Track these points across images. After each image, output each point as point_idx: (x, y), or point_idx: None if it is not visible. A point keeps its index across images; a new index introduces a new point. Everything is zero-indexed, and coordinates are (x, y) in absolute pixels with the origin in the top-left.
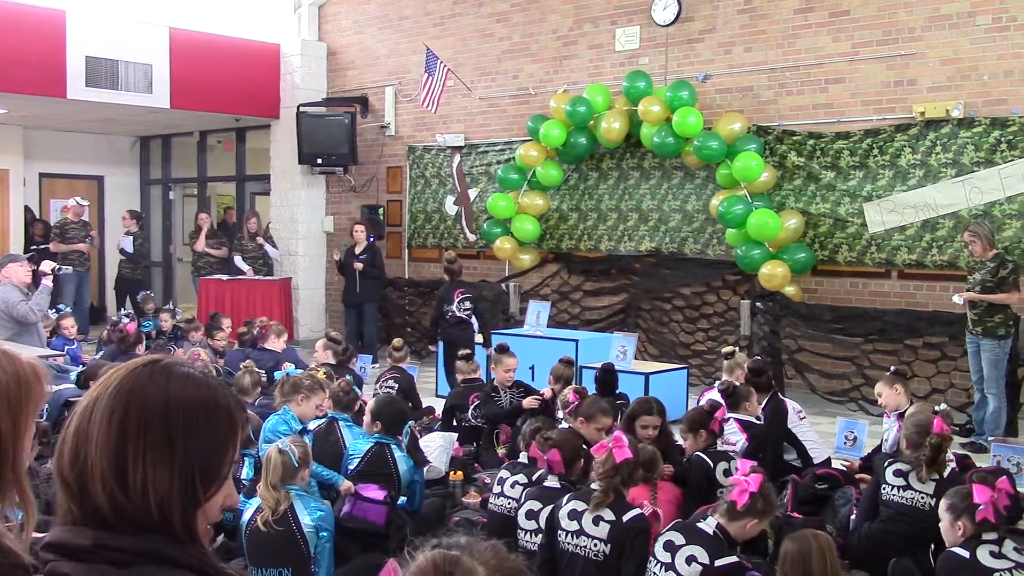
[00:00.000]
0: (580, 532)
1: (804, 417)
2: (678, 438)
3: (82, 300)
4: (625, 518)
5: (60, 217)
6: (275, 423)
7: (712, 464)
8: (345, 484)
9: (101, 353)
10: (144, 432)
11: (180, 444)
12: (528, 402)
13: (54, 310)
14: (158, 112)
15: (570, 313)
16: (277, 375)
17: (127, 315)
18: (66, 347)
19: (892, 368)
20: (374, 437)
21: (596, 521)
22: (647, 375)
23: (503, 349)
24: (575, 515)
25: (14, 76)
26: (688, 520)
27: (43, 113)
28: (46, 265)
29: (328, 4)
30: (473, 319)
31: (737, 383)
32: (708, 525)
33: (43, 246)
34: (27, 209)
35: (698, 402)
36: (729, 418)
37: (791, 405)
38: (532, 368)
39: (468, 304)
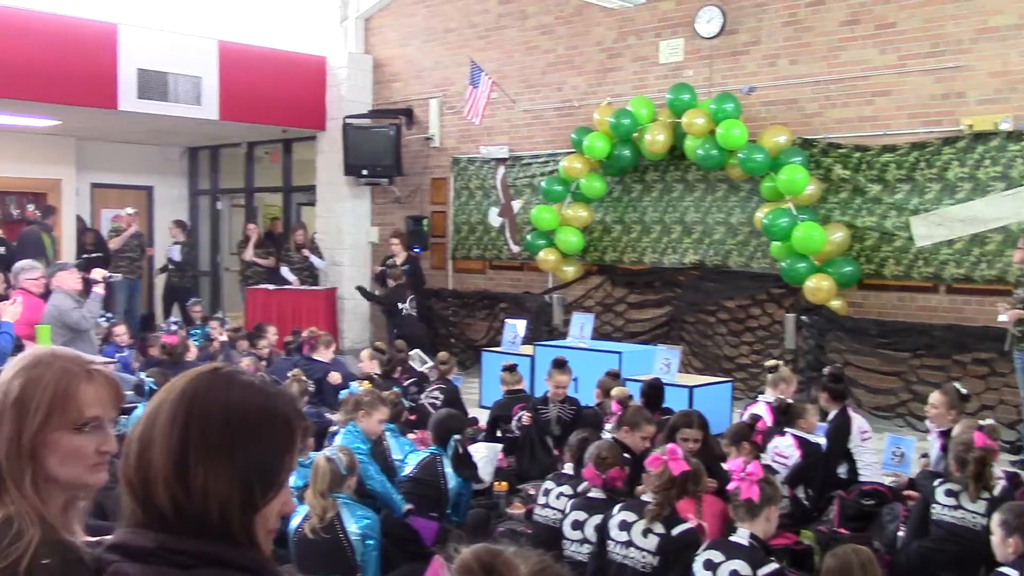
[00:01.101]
0: (629, 543)
1: (869, 438)
2: None
3: (133, 308)
4: (675, 531)
5: (113, 225)
6: (347, 440)
7: None
8: (407, 507)
9: (139, 364)
10: (205, 437)
11: (239, 450)
12: (526, 419)
13: (104, 319)
14: (207, 123)
15: (614, 325)
16: (341, 394)
17: (175, 323)
18: (117, 355)
19: (964, 391)
20: (430, 449)
21: (645, 533)
22: (691, 388)
23: (559, 364)
24: (625, 526)
25: (68, 88)
26: (721, 537)
27: (95, 124)
28: (97, 273)
29: (374, 17)
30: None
31: (784, 398)
32: (742, 537)
33: (94, 254)
34: (79, 219)
35: (742, 416)
36: (787, 432)
37: (857, 423)
38: (576, 380)
39: (415, 303)
